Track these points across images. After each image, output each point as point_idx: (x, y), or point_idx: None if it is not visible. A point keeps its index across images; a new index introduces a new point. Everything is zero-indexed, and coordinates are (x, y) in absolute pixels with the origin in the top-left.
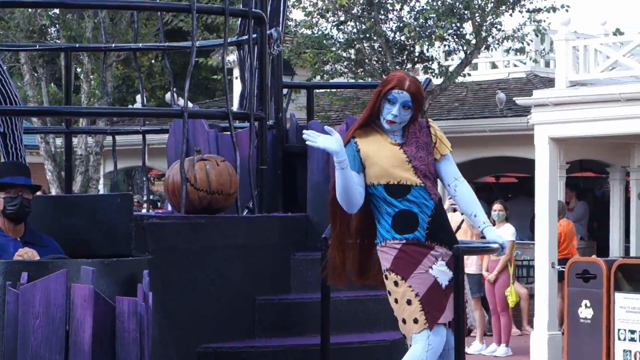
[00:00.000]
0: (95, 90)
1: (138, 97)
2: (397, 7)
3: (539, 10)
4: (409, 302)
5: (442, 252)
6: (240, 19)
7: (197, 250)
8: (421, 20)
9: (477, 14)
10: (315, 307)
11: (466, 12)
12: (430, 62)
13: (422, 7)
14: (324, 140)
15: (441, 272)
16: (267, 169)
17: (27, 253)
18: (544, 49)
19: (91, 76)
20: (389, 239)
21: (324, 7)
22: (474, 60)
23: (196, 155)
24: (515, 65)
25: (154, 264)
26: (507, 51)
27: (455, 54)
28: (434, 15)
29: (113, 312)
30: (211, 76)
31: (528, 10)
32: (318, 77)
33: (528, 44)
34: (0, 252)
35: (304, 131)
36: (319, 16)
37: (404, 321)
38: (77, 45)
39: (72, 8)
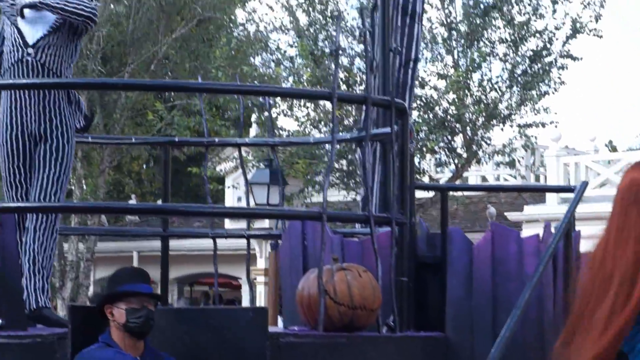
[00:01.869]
0: (88, 196)
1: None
2: None
3: (529, 126)
4: None
5: None
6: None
7: None
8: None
9: (468, 128)
10: None
11: (457, 125)
12: (422, 175)
13: (414, 120)
14: None
15: None
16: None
17: None
18: (533, 163)
19: (83, 181)
20: None
21: (316, 118)
22: (465, 174)
23: (334, 264)
24: (505, 180)
25: None
26: (497, 165)
27: (446, 166)
28: (426, 128)
29: None
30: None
31: (518, 125)
32: (310, 188)
33: (519, 161)
34: None
35: None
36: (311, 126)
37: None
38: (176, 139)
39: (215, 92)
